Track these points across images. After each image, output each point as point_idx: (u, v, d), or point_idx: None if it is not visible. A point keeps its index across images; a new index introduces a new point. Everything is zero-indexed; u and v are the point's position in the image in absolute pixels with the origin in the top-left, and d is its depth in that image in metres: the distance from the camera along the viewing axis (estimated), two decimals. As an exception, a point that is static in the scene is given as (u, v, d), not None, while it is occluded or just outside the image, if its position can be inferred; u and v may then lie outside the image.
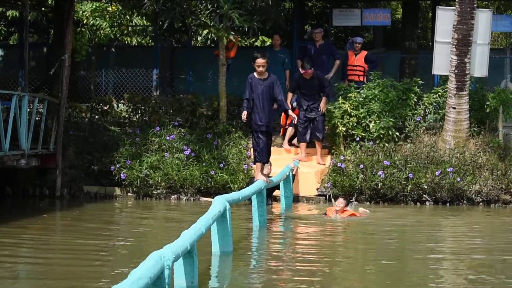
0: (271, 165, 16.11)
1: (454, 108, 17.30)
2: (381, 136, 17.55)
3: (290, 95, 17.77)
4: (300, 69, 17.55)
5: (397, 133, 17.65)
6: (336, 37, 26.33)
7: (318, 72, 17.78)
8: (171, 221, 14.54)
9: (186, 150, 17.39)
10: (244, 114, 13.80)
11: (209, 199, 16.01)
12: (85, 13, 20.92)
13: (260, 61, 13.83)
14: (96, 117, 19.17)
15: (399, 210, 15.99)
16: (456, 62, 17.24)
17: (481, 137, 17.45)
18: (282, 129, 18.64)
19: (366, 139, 17.57)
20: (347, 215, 14.30)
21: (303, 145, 17.62)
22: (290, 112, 14.61)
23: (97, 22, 20.87)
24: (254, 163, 14.53)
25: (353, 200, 16.35)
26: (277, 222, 14.26)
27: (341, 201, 14.46)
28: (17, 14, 24.49)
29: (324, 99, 17.51)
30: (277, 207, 15.95)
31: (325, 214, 14.57)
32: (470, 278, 9.70)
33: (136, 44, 26.56)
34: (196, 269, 8.67)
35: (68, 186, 17.74)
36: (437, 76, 19.58)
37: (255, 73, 13.93)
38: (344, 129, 17.76)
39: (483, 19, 17.62)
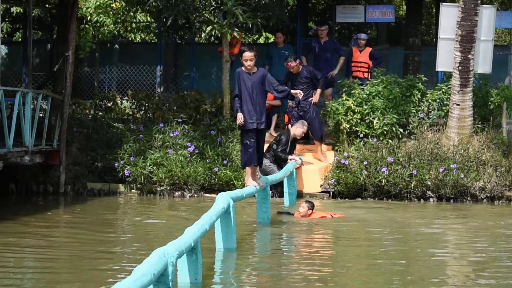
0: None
1: (458, 104, 17.28)
2: (385, 132, 17.55)
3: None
4: (286, 63, 17.58)
5: (401, 130, 17.65)
6: (339, 33, 26.32)
7: (308, 67, 17.78)
8: (175, 217, 14.54)
9: (190, 147, 17.39)
10: (240, 117, 12.54)
11: (213, 195, 16.01)
12: (89, 9, 20.89)
13: (247, 54, 12.64)
14: (100, 113, 19.19)
15: (401, 207, 15.99)
16: (460, 59, 17.23)
17: (485, 134, 17.44)
18: (286, 127, 18.62)
19: (369, 136, 17.57)
20: (318, 217, 13.93)
21: None
22: (292, 91, 13.15)
23: (101, 19, 20.84)
24: (243, 168, 13.35)
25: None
26: (281, 218, 14.24)
27: (303, 206, 13.96)
28: (21, 11, 24.50)
29: (317, 91, 17.52)
30: (281, 203, 15.94)
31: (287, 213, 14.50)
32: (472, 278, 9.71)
33: (139, 41, 26.57)
34: (200, 265, 8.67)
35: (72, 183, 17.75)
36: (441, 73, 19.59)
37: (243, 68, 12.84)
38: (347, 125, 17.76)
39: (487, 16, 17.60)
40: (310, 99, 17.43)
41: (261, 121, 12.73)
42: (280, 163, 16.54)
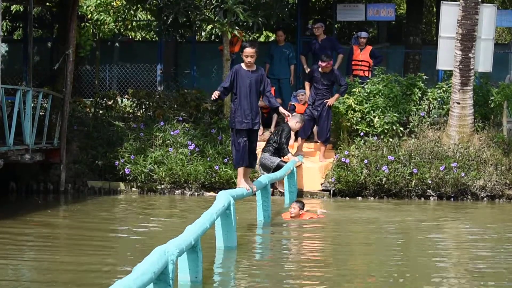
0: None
1: (459, 103, 17.28)
2: (385, 131, 17.56)
3: (307, 84, 17.97)
4: (319, 62, 17.47)
5: (401, 128, 17.66)
6: (340, 32, 26.30)
7: (337, 71, 17.72)
8: (175, 216, 14.54)
9: (190, 145, 17.40)
10: (216, 93, 11.89)
11: (213, 194, 16.01)
12: (89, 8, 20.89)
13: (249, 50, 12.01)
14: (100, 112, 19.18)
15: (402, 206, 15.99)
16: (461, 57, 17.23)
17: (486, 132, 17.44)
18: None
19: (370, 134, 17.58)
20: (307, 219, 13.74)
21: (300, 141, 17.55)
22: (281, 109, 12.64)
23: (101, 17, 20.85)
24: (235, 168, 12.83)
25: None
26: (281, 217, 14.23)
27: (294, 206, 13.73)
28: (21, 9, 24.48)
29: (336, 95, 17.48)
30: (281, 202, 15.95)
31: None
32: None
33: (140, 39, 26.57)
34: (200, 264, 8.67)
35: (72, 181, 17.75)
36: (442, 71, 19.58)
37: (242, 64, 12.16)
38: (348, 124, 17.77)
39: (488, 14, 17.59)
40: (325, 100, 17.39)
41: (256, 121, 12.23)
42: (280, 154, 16.60)
